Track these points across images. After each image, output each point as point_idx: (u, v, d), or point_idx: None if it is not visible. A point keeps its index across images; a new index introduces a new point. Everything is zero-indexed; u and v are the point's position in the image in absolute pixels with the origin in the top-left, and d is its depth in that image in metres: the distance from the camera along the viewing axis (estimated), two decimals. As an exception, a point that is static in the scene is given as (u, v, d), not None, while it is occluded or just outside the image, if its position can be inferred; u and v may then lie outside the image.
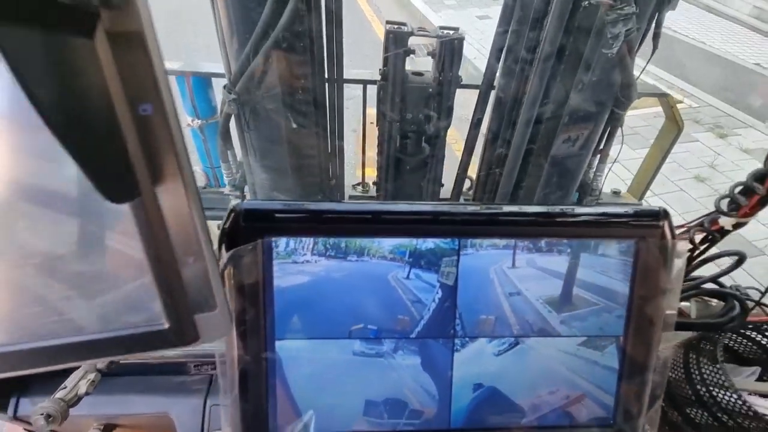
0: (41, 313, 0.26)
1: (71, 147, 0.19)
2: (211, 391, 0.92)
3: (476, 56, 3.95)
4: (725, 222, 0.46)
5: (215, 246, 0.39)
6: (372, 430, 0.45)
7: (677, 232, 0.51)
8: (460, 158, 1.44)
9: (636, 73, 1.21)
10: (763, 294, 0.53)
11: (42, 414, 0.58)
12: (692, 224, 0.49)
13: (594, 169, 1.55)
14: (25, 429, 0.97)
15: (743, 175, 0.51)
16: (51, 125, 0.18)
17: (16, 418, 0.83)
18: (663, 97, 1.72)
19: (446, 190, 1.58)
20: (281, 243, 0.40)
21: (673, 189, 3.08)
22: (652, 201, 2.98)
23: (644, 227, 0.41)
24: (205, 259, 0.27)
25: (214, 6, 1.07)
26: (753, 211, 0.45)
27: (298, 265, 0.40)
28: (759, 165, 0.49)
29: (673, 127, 1.68)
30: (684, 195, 3.06)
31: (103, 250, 0.26)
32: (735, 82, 4.00)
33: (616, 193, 1.89)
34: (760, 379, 0.64)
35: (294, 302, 0.41)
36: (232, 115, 1.25)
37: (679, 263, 0.41)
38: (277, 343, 0.42)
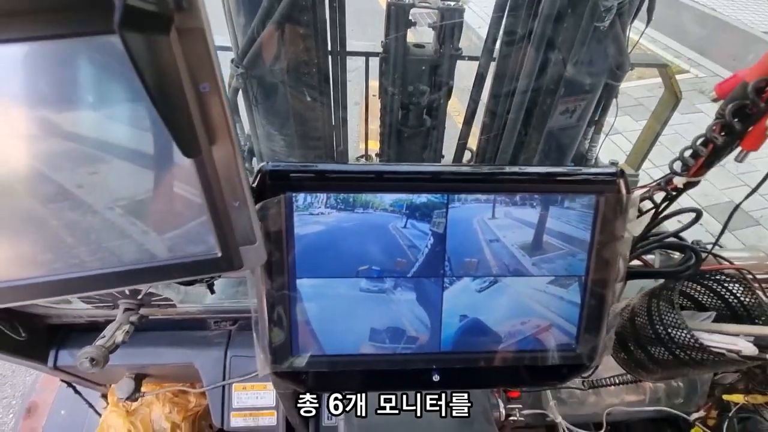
0: (126, 244, 0.35)
1: (162, 114, 0.27)
2: (230, 344, 1.02)
3: (480, 25, 3.89)
4: (678, 181, 0.53)
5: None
6: (376, 352, 0.55)
7: (639, 192, 0.58)
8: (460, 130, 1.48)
9: (638, 42, 1.24)
10: (714, 245, 0.61)
11: (87, 358, 0.68)
12: (652, 185, 0.56)
13: (589, 140, 1.59)
14: (61, 380, 1.09)
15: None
16: (152, 100, 0.26)
17: (56, 368, 0.95)
18: (662, 68, 1.73)
19: (447, 161, 1.63)
20: (300, 198, 0.48)
21: (673, 160, 3.09)
22: (651, 172, 3.01)
23: (603, 184, 0.49)
24: (248, 203, 0.36)
25: (221, -18, 1.10)
26: (700, 171, 0.52)
27: (314, 216, 0.49)
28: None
29: (672, 97, 1.69)
30: (683, 166, 3.06)
31: (172, 196, 0.34)
32: (744, 51, 3.92)
33: (613, 164, 1.94)
34: (715, 322, 0.74)
35: (311, 247, 0.50)
36: (240, 89, 1.29)
37: (632, 214, 0.49)
38: (298, 281, 0.51)
